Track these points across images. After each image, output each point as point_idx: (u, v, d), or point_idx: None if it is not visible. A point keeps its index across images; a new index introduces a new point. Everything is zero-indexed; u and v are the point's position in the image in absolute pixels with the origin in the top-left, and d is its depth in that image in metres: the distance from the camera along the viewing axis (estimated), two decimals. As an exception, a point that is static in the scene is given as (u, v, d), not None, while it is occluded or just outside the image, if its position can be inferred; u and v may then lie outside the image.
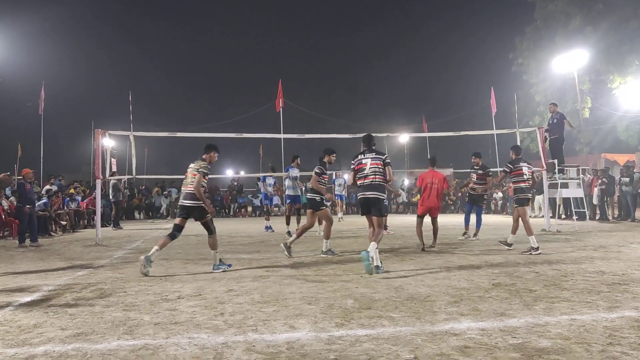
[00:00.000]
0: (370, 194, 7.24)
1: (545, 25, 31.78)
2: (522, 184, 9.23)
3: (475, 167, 11.71)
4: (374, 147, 7.60)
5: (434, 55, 58.86)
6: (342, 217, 20.46)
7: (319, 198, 8.75)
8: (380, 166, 7.26)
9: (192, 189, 7.27)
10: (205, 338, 3.95)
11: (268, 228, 14.93)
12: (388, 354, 3.50)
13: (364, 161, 7.40)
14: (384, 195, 7.32)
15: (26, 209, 12.05)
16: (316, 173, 8.84)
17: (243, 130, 15.96)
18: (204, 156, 7.62)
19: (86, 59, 56.40)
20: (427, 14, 68.53)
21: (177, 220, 7.54)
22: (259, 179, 15.87)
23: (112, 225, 17.80)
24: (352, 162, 7.60)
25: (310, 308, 4.88)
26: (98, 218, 12.65)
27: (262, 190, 15.75)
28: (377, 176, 7.24)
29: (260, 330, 4.14)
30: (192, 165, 7.49)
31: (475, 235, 11.38)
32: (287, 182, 13.43)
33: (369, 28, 73.58)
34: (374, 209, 7.25)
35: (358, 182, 7.44)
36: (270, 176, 15.18)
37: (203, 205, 7.33)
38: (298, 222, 12.71)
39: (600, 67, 28.63)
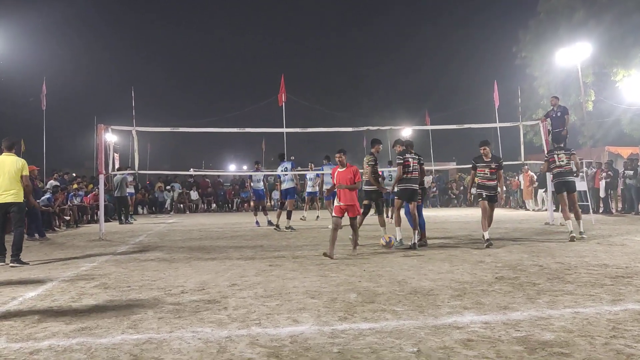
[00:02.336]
0: (415, 186, 9.20)
1: (548, 19, 31.60)
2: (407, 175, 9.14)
3: (399, 157, 9.47)
4: (412, 150, 9.48)
5: (437, 49, 58.68)
6: (304, 216, 17.15)
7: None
8: (417, 165, 9.24)
9: (366, 178, 9.45)
10: (209, 332, 3.96)
11: (257, 223, 15.10)
12: (391, 348, 3.50)
13: (409, 160, 9.18)
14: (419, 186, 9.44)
15: (36, 203, 12.18)
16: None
17: (246, 124, 15.93)
18: (372, 150, 9.87)
19: (88, 55, 56.33)
20: (430, 8, 68.28)
21: (366, 202, 9.98)
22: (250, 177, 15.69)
23: (119, 220, 17.70)
24: (401, 158, 9.26)
25: (314, 302, 4.89)
26: (101, 213, 12.69)
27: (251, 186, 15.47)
28: (416, 172, 9.23)
29: (263, 324, 4.15)
30: (365, 159, 9.75)
31: (421, 239, 9.25)
32: (283, 177, 13.71)
33: (372, 22, 73.32)
34: (415, 197, 9.21)
35: (406, 176, 9.13)
36: (254, 173, 15.27)
37: (377, 188, 9.70)
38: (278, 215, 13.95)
39: (603, 60, 28.47)
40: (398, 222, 9.40)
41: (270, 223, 14.82)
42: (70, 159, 40.17)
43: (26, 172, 8.10)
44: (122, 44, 65.87)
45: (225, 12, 76.40)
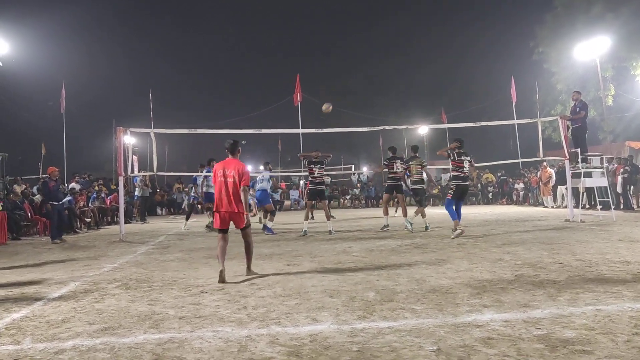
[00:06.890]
0: (321, 187, 12.00)
1: (565, 13, 31.16)
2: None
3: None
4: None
5: (452, 45, 57.99)
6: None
7: None
8: (322, 171, 11.90)
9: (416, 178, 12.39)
10: (230, 331, 4.00)
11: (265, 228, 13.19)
12: (411, 346, 3.51)
13: (314, 168, 11.68)
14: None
15: (47, 205, 12.45)
16: None
17: (262, 125, 16.00)
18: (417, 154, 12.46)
19: (106, 58, 56.85)
20: (446, 4, 67.70)
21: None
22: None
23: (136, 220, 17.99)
24: (307, 167, 11.93)
25: (332, 301, 4.90)
26: (121, 214, 12.84)
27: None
28: (320, 177, 11.87)
29: (283, 323, 4.18)
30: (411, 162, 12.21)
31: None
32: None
33: (386, 19, 73.07)
34: (320, 196, 12.06)
35: (312, 180, 11.81)
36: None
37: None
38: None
39: (622, 54, 28.01)
40: (306, 217, 12.04)
41: (265, 227, 13.00)
42: (90, 161, 40.70)
43: None
44: (140, 46, 66.57)
45: (241, 14, 76.84)
